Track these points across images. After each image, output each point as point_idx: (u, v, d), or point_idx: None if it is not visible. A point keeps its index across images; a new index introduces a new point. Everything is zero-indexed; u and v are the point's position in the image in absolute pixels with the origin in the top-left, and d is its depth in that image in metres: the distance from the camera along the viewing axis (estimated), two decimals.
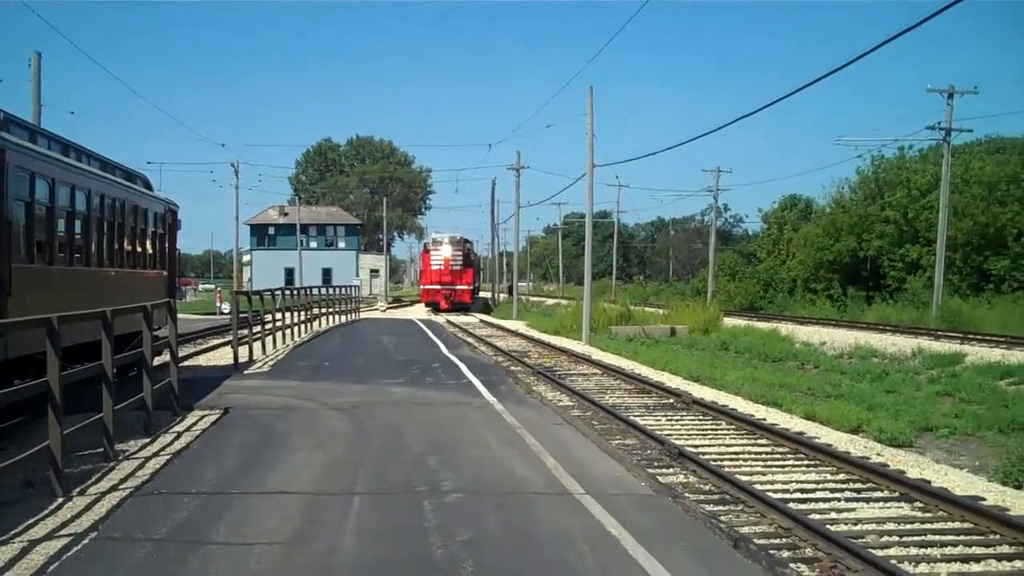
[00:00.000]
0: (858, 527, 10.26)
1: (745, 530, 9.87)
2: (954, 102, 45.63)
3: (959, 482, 12.68)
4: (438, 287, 67.87)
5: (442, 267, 68.10)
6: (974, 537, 9.93)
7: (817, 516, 10.48)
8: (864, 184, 62.95)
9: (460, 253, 69.50)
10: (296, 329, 32.66)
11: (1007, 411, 19.27)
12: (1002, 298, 45.87)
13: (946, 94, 45.67)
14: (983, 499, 11.40)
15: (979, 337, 33.36)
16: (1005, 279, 49.01)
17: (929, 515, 10.75)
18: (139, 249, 20.35)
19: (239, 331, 23.73)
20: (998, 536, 9.88)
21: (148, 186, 22.31)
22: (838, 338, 36.08)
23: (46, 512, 9.09)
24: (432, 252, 69.41)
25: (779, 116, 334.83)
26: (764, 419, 17.37)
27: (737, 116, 30.86)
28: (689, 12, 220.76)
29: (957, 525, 10.33)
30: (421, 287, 75.51)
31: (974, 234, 50.39)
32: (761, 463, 13.77)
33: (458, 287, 68.09)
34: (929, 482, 12.18)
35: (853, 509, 11.03)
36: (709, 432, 16.41)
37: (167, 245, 22.89)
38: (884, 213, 57.19)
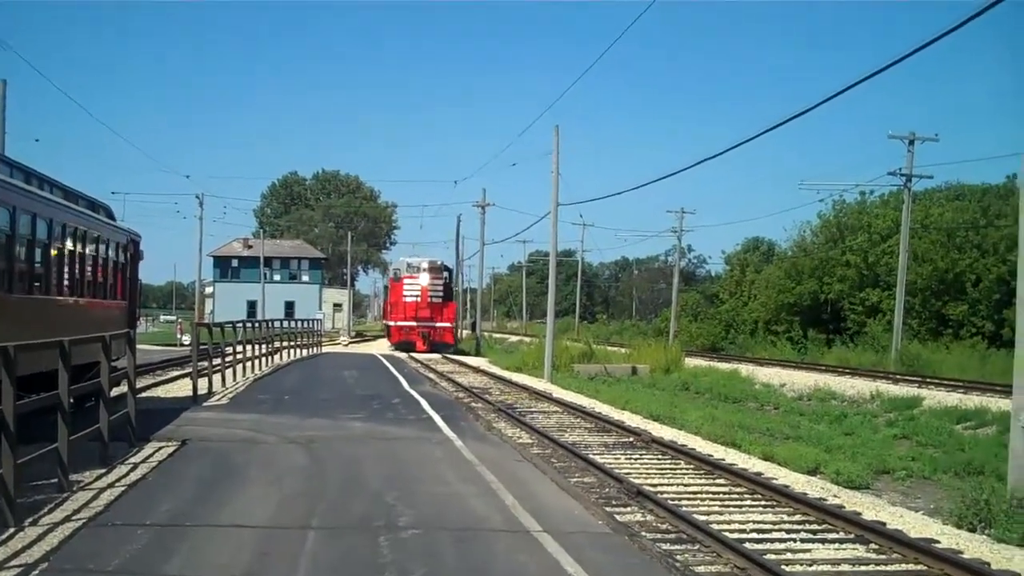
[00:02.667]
0: (813, 568, 10.29)
1: (701, 569, 9.90)
2: (915, 149, 46.30)
3: (914, 524, 12.75)
4: (413, 324, 55.59)
5: (418, 299, 55.81)
6: None
7: (773, 556, 10.50)
8: (825, 228, 63.52)
9: (440, 282, 57.58)
10: (257, 362, 32.52)
11: (963, 455, 19.46)
12: (960, 343, 46.42)
13: (907, 141, 46.32)
14: (937, 541, 11.46)
15: (937, 381, 33.66)
16: (963, 324, 49.60)
17: (883, 557, 10.80)
18: (100, 279, 20.22)
19: (199, 363, 23.59)
20: None
21: (111, 216, 22.21)
22: (798, 380, 36.32)
23: None
24: (406, 281, 57.05)
25: (743, 159, 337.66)
26: (723, 459, 17.40)
27: (701, 158, 31.25)
28: (654, 54, 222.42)
29: (911, 567, 10.39)
30: (390, 324, 60.48)
31: (933, 279, 50.99)
32: (719, 503, 13.80)
33: (438, 324, 56.07)
34: (884, 524, 12.23)
35: (809, 550, 11.07)
36: (668, 471, 16.43)
37: (128, 275, 22.76)
38: (845, 257, 57.75)
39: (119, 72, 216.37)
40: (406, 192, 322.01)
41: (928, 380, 34.16)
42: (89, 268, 19.36)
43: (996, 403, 25.23)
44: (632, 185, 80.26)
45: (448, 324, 57.01)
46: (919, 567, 10.35)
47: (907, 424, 24.56)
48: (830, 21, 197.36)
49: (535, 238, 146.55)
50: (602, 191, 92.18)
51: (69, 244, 17.81)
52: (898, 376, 36.38)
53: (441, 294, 57.04)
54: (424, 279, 56.28)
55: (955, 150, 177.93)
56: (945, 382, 33.19)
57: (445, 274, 59.39)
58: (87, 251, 19.09)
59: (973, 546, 11.52)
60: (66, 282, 17.74)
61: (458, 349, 61.11)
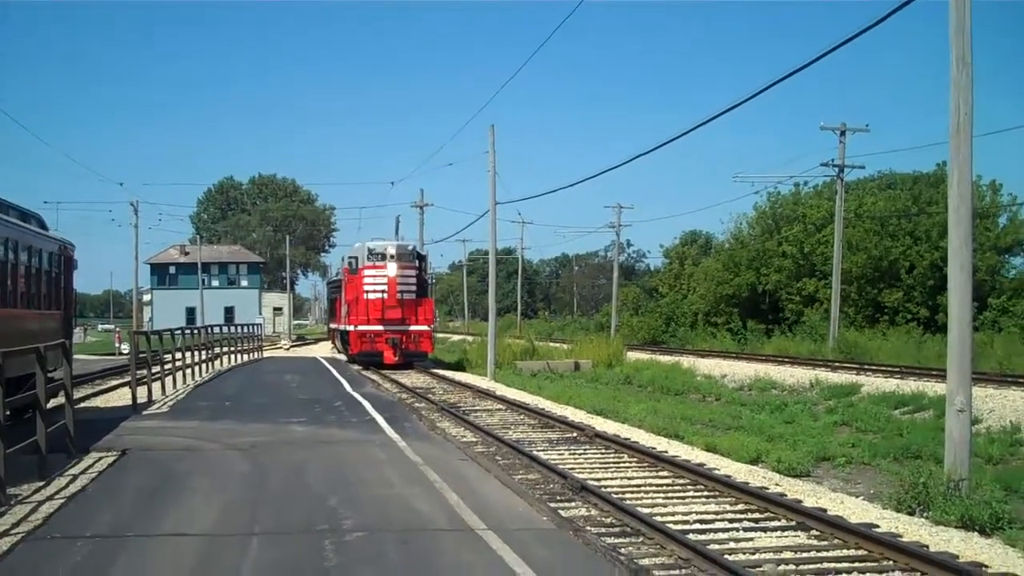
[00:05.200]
0: (756, 556, 10.40)
1: (645, 562, 9.96)
2: (846, 139, 46.89)
3: (854, 510, 12.93)
4: (379, 328, 41.70)
5: (385, 294, 42.18)
6: (868, 563, 10.14)
7: (716, 546, 10.60)
8: (761, 219, 64.15)
9: (413, 273, 44.09)
10: (197, 368, 32.22)
11: (901, 439, 19.79)
12: (896, 329, 47.12)
13: (838, 131, 46.90)
14: (877, 526, 11.63)
15: (874, 368, 34.10)
16: (898, 311, 50.37)
17: (825, 543, 10.94)
18: (33, 289, 19.90)
19: (138, 371, 23.33)
20: (891, 562, 10.08)
21: (43, 226, 21.88)
22: (738, 370, 36.68)
23: None
24: (368, 272, 43.21)
25: (679, 152, 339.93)
26: (666, 451, 17.53)
27: (637, 153, 31.69)
28: (587, 51, 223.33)
29: (852, 552, 10.53)
30: (348, 328, 44.80)
31: (868, 267, 51.70)
32: (662, 495, 13.90)
33: (412, 328, 42.12)
34: (825, 510, 12.38)
35: (751, 539, 11.19)
36: (611, 465, 16.52)
37: (63, 285, 22.43)
38: (781, 248, 58.38)
39: (47, 80, 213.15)
40: (343, 194, 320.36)
41: (866, 367, 34.61)
42: (22, 279, 19.03)
43: (932, 388, 25.62)
44: (569, 182, 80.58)
45: (425, 327, 43.00)
46: (860, 551, 10.50)
47: (846, 411, 24.91)
48: (765, 12, 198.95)
49: (475, 237, 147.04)
50: (540, 189, 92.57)
51: (0, 255, 17.51)
52: (836, 364, 36.82)
53: (414, 288, 43.89)
54: (392, 269, 42.76)
55: (886, 139, 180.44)
56: (882, 368, 33.64)
57: (418, 262, 45.91)
58: (19, 261, 18.78)
59: (912, 529, 11.71)
60: None
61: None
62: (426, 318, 43.03)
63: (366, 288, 42.85)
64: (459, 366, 45.75)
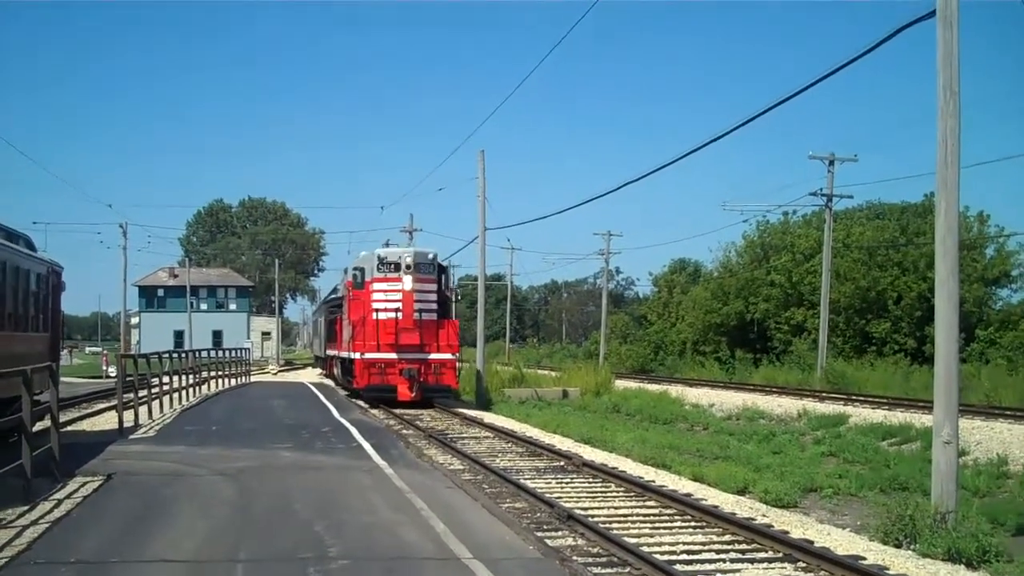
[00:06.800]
0: None
1: None
2: (835, 169, 47.16)
3: (841, 541, 12.90)
4: (393, 356, 33.60)
5: (400, 313, 33.61)
6: None
7: None
8: (750, 248, 64.33)
9: (433, 287, 35.40)
10: (184, 393, 32.11)
11: (889, 471, 19.78)
12: (884, 360, 47.21)
13: (827, 161, 47.16)
14: (864, 558, 11.60)
15: (862, 398, 34.17)
16: (886, 341, 50.50)
17: (811, 575, 10.93)
18: (20, 311, 19.85)
19: (125, 395, 23.24)
20: None
21: (31, 247, 21.85)
22: (726, 400, 36.69)
23: None
24: (377, 286, 34.64)
25: (669, 181, 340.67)
26: (653, 481, 17.49)
27: (627, 180, 31.30)
28: (577, 78, 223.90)
29: None
30: (351, 356, 36.27)
31: (856, 297, 51.85)
32: (649, 525, 13.86)
33: (432, 356, 34.07)
34: (812, 542, 12.36)
35: (738, 570, 11.16)
36: (599, 494, 16.48)
37: (50, 307, 22.38)
38: (770, 277, 58.56)
39: (37, 101, 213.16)
40: (333, 218, 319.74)
41: (853, 397, 34.67)
42: (9, 300, 19.00)
43: (920, 419, 25.65)
44: (558, 208, 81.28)
45: (449, 355, 34.87)
46: None
47: (834, 442, 24.90)
48: (756, 40, 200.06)
49: (464, 263, 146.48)
50: (530, 211, 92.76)
51: None
52: (824, 394, 36.89)
53: (435, 306, 35.26)
54: (408, 282, 33.99)
55: (875, 170, 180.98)
56: (870, 399, 33.69)
57: (440, 275, 36.80)
58: (6, 283, 18.74)
59: (899, 562, 11.69)
60: None
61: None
62: (450, 344, 34.85)
63: (376, 306, 34.39)
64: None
